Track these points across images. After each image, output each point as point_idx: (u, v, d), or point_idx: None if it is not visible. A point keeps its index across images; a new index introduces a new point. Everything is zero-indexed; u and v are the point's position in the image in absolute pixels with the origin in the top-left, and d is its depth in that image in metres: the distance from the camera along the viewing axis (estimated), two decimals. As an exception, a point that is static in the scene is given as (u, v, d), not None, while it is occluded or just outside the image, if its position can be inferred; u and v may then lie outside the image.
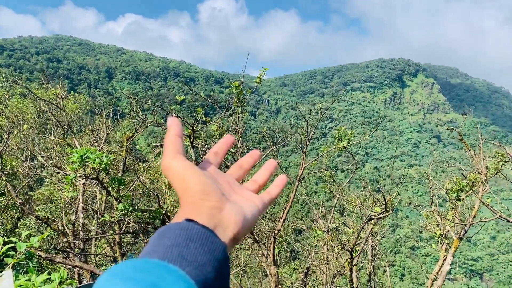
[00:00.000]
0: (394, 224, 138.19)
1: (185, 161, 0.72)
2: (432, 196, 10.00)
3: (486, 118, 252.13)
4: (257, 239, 9.15)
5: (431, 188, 9.61)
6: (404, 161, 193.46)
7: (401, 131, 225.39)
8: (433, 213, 8.61)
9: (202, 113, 7.78)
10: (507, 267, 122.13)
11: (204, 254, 0.59)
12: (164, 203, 7.19)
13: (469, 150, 7.76)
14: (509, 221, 4.75)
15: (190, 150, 7.11)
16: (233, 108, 8.29)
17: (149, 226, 6.06)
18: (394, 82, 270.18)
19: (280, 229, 8.85)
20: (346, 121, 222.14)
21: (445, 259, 8.69)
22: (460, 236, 7.37)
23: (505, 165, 8.41)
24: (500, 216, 4.87)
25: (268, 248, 9.08)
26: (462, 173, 7.91)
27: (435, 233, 8.37)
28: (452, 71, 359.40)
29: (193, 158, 6.88)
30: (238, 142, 8.90)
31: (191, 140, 6.96)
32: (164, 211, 6.00)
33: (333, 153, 9.26)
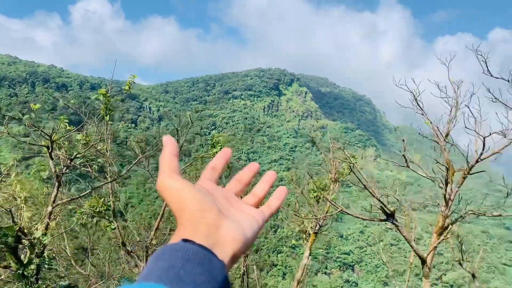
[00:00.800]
0: (275, 225, 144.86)
1: (181, 180, 0.70)
2: (297, 196, 10.94)
3: (352, 123, 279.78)
4: (130, 250, 8.96)
5: (295, 188, 10.52)
6: (283, 164, 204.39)
7: (279, 136, 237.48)
8: (294, 212, 9.42)
9: (66, 121, 7.39)
10: (374, 257, 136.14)
11: (203, 274, 0.57)
12: (20, 219, 6.64)
13: (321, 154, 8.72)
14: (348, 213, 5.50)
15: (49, 162, 6.70)
16: (101, 116, 8.04)
17: (1, 246, 5.56)
18: (271, 91, 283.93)
19: (153, 238, 8.81)
20: (229, 127, 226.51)
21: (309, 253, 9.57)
22: (316, 231, 8.23)
23: (354, 165, 9.61)
24: (341, 210, 5.60)
25: (141, 259, 8.95)
26: (308, 173, 8.80)
27: (295, 230, 9.19)
28: (322, 80, 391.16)
29: (53, 170, 6.49)
30: (107, 152, 8.66)
31: (50, 151, 6.56)
32: (18, 227, 5.57)
33: (210, 158, 9.54)
